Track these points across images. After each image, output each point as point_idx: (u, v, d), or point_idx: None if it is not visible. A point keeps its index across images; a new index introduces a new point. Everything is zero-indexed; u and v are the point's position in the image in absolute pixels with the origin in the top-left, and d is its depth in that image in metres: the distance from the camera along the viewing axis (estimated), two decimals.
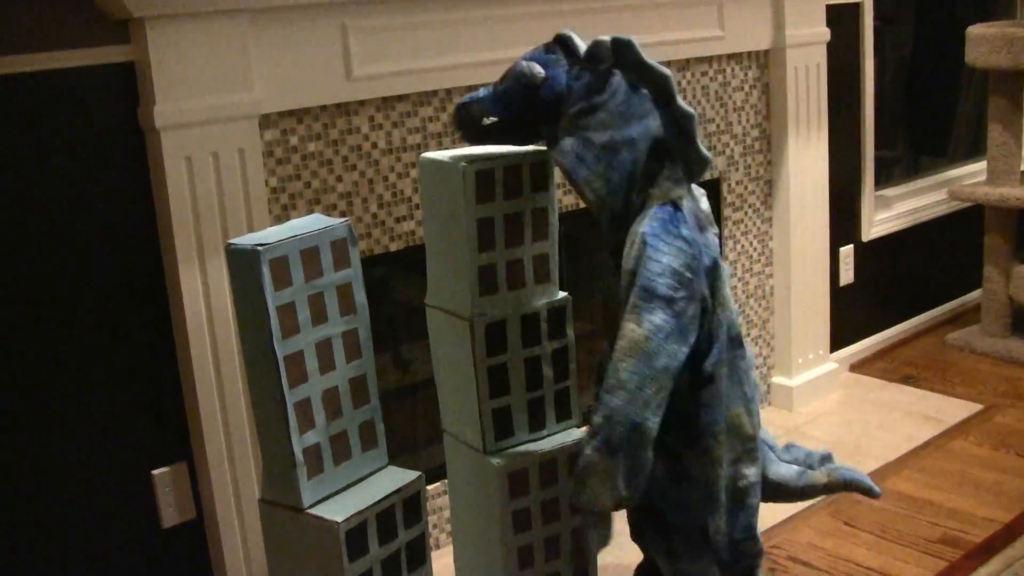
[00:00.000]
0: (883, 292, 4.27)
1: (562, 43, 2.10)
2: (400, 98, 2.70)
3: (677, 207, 2.04)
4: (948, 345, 4.30)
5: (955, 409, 3.71)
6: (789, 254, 3.67)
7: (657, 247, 1.98)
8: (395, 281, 2.90)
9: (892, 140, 4.48)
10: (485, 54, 2.79)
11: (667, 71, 2.00)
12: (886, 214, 4.20)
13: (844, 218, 3.98)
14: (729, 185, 3.53)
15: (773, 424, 3.67)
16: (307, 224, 2.06)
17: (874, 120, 4.02)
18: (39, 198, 2.24)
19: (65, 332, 2.31)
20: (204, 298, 2.38)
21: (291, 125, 2.53)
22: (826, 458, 2.36)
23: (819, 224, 3.75)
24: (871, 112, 4.00)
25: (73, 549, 2.39)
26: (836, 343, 4.00)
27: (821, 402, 3.83)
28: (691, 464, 2.11)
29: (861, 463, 3.33)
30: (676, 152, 2.06)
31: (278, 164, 2.53)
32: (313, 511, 2.01)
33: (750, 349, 2.23)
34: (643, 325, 1.95)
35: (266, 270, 1.91)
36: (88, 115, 2.28)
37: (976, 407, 3.71)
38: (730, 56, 3.44)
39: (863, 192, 4.05)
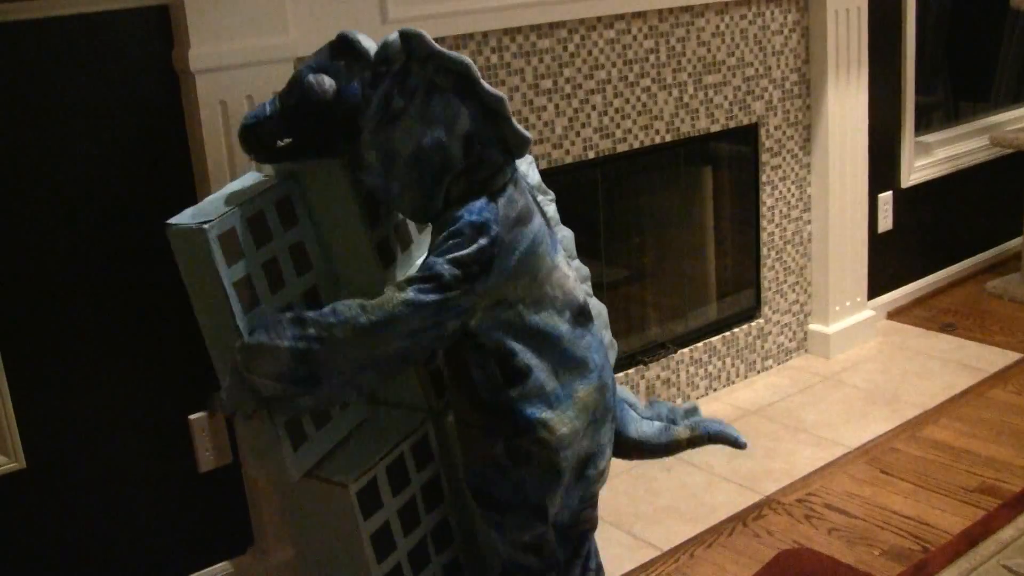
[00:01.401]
0: (922, 239, 4.22)
1: (346, 46, 1.94)
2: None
3: (493, 199, 1.90)
4: (987, 293, 4.25)
5: (994, 357, 3.67)
6: (827, 200, 3.63)
7: (459, 237, 1.86)
8: None
9: (933, 85, 4.41)
10: None
11: (465, 58, 1.88)
12: (926, 160, 4.14)
13: (883, 164, 3.93)
14: (767, 130, 3.48)
15: (809, 371, 3.66)
16: (246, 186, 1.97)
17: (915, 64, 3.96)
18: (74, 143, 2.24)
19: (101, 279, 2.32)
20: None
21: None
22: (691, 411, 2.30)
23: (858, 170, 3.70)
24: (912, 56, 3.93)
25: (112, 494, 2.41)
26: (874, 291, 3.96)
27: (858, 350, 3.81)
28: (530, 448, 1.99)
29: (899, 411, 3.31)
30: (491, 138, 1.89)
31: None
32: (321, 475, 1.98)
33: (603, 314, 2.19)
34: (407, 296, 1.82)
35: (216, 247, 1.82)
36: (123, 59, 2.27)
37: (1015, 355, 3.68)
38: None
39: (903, 138, 4.00)
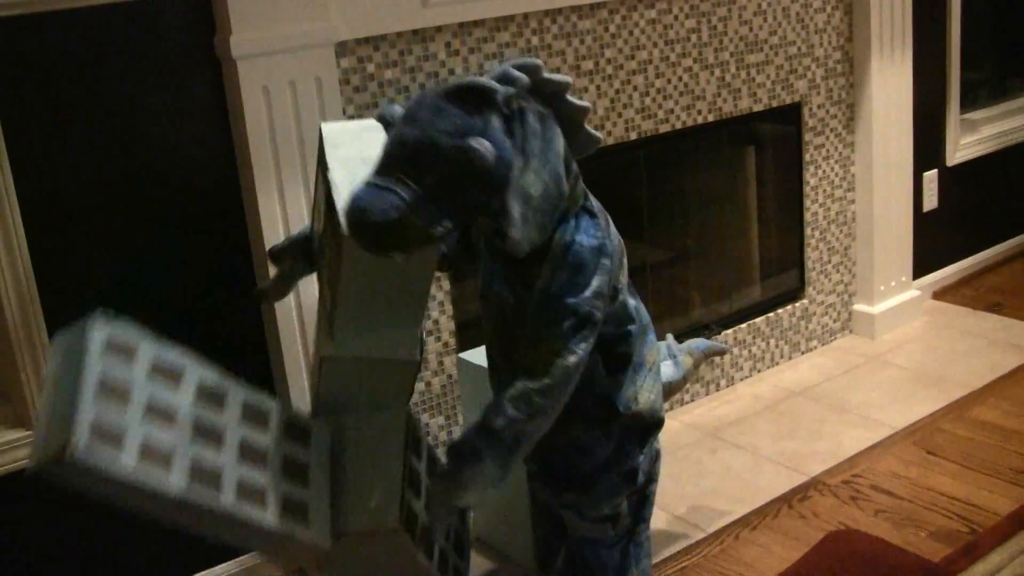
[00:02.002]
0: (968, 218, 4.17)
1: (476, 94, 1.68)
2: (476, 23, 2.67)
3: (592, 213, 1.85)
4: None
5: None
6: (871, 179, 3.59)
7: (590, 269, 1.79)
8: None
9: (979, 61, 4.35)
10: None
11: (567, 79, 1.80)
12: (972, 138, 4.09)
13: (928, 142, 3.89)
14: (811, 109, 3.45)
15: (854, 352, 3.63)
16: None
17: (960, 40, 3.91)
18: (118, 130, 2.25)
19: (144, 266, 2.33)
20: (283, 227, 2.39)
21: (367, 53, 2.51)
22: (676, 340, 2.46)
23: (902, 148, 3.67)
24: (957, 32, 3.88)
25: None
26: (919, 270, 3.93)
27: (904, 330, 3.77)
28: (627, 421, 2.00)
29: (945, 391, 3.28)
30: (573, 147, 1.84)
31: (355, 92, 2.51)
32: (360, 527, 1.84)
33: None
34: (575, 352, 1.78)
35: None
36: (166, 46, 2.28)
37: None
38: None
39: (948, 115, 3.95)
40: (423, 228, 1.66)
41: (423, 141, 1.64)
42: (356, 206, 1.63)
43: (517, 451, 1.82)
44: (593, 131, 1.88)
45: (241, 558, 2.60)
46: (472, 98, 1.67)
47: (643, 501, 2.15)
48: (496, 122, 1.68)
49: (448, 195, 1.66)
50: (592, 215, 1.85)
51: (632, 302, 1.99)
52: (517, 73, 1.73)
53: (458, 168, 1.64)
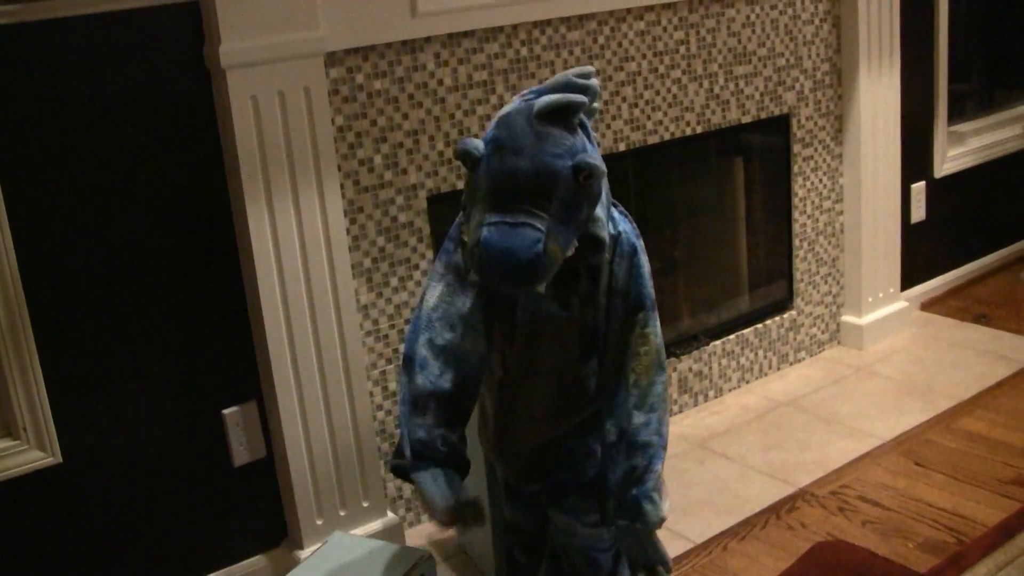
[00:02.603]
0: (956, 230, 4.19)
1: (574, 112, 1.70)
2: (466, 34, 2.67)
3: (616, 205, 1.90)
4: (1022, 283, 4.22)
5: None
6: (860, 191, 3.60)
7: (640, 252, 1.87)
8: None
9: (966, 73, 4.37)
10: None
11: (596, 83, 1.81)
12: (959, 150, 4.11)
13: (916, 154, 3.90)
14: (799, 121, 3.46)
15: (842, 363, 3.64)
16: None
17: (948, 52, 3.92)
18: (106, 139, 2.25)
19: (133, 274, 2.33)
20: (272, 237, 2.39)
21: (357, 63, 2.52)
22: None
23: (890, 160, 3.68)
24: (945, 44, 3.90)
25: (146, 488, 2.42)
26: (907, 281, 3.94)
27: (891, 341, 3.78)
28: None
29: (933, 402, 3.29)
30: None
31: (344, 102, 2.51)
32: None
33: None
34: (658, 335, 1.89)
35: None
36: (155, 55, 2.28)
37: None
38: None
39: (936, 127, 3.96)
40: (562, 254, 1.66)
41: (540, 169, 1.63)
42: (498, 248, 1.61)
43: (663, 451, 1.91)
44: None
45: (272, 551, 2.60)
46: (567, 115, 1.68)
47: None
48: (581, 134, 1.70)
49: (572, 216, 1.67)
50: (614, 204, 1.89)
51: None
52: (584, 82, 1.72)
53: (577, 188, 1.65)
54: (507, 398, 2.00)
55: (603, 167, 1.68)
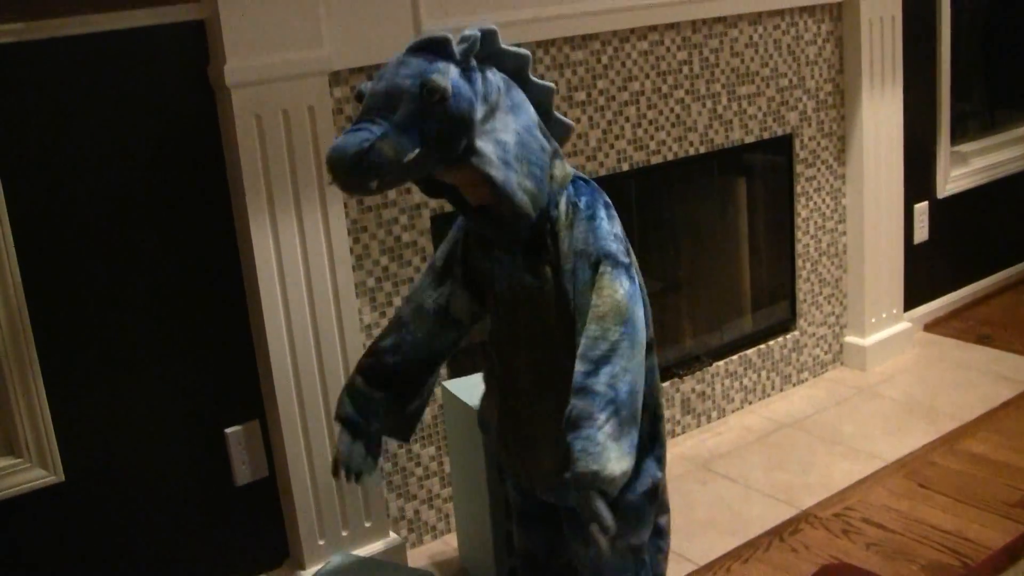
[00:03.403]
0: (959, 250, 4.19)
1: (434, 46, 1.85)
2: None
3: (585, 180, 2.01)
4: None
5: None
6: (862, 211, 3.60)
7: (601, 217, 1.94)
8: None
9: (969, 94, 4.37)
10: (553, 8, 2.75)
11: (526, 52, 1.96)
12: (962, 170, 4.11)
13: (919, 174, 3.90)
14: (802, 141, 3.47)
15: (845, 384, 3.63)
16: None
17: (950, 73, 3.93)
18: (111, 158, 2.25)
19: (137, 292, 2.33)
20: (275, 256, 2.38)
21: (361, 82, 2.51)
22: None
23: (893, 180, 3.68)
24: (947, 65, 3.91)
25: (149, 506, 2.42)
26: (910, 302, 3.93)
27: (895, 362, 3.78)
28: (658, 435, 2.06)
29: (936, 424, 3.28)
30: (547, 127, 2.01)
31: (348, 121, 2.51)
32: None
33: None
34: (624, 289, 1.90)
35: None
36: (159, 74, 2.28)
37: None
38: (802, 9, 3.37)
39: (939, 147, 3.97)
40: (395, 156, 1.79)
41: (389, 87, 1.81)
42: (334, 147, 1.79)
43: (620, 405, 1.84)
44: (565, 118, 2.04)
45: (274, 571, 2.60)
46: (430, 48, 1.84)
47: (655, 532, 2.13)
48: (453, 69, 1.83)
49: (414, 126, 1.80)
50: (586, 182, 2.00)
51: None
52: (469, 32, 1.86)
53: (419, 100, 1.79)
54: (503, 377, 2.09)
55: (463, 94, 1.82)
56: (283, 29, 2.32)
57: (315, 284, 2.46)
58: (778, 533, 2.77)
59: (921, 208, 3.96)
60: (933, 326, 4.08)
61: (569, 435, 1.83)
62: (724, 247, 3.57)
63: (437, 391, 2.77)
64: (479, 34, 1.86)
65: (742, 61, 3.25)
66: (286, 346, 2.44)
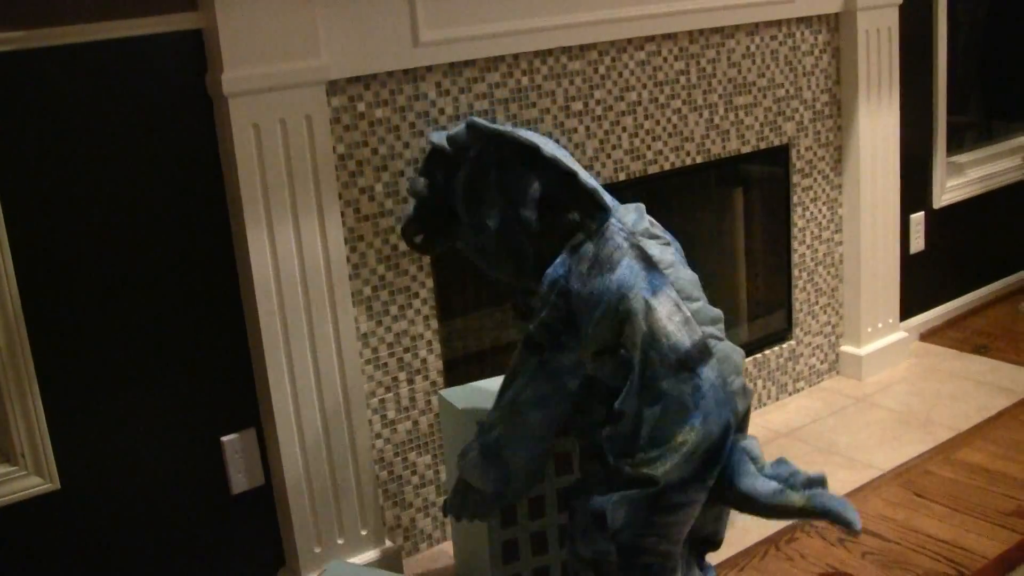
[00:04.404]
0: (955, 260, 4.20)
1: (437, 149, 2.23)
2: (467, 63, 2.68)
3: (574, 251, 2.09)
4: (1021, 314, 4.22)
5: None
6: (859, 221, 3.61)
7: (543, 295, 2.10)
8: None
9: (965, 105, 4.39)
10: (551, 19, 2.76)
11: (534, 139, 2.11)
12: (958, 180, 4.12)
13: (915, 185, 3.91)
14: (798, 151, 3.47)
15: (841, 393, 3.64)
16: None
17: (947, 84, 3.94)
18: (108, 166, 2.25)
19: (134, 300, 2.33)
20: (272, 265, 2.39)
21: (358, 91, 2.52)
22: (815, 481, 2.13)
23: (889, 191, 3.69)
24: (944, 76, 3.92)
25: (145, 514, 2.42)
26: (906, 312, 3.94)
27: (891, 371, 3.78)
28: (603, 463, 2.09)
29: (932, 433, 3.28)
30: (567, 200, 2.10)
31: (345, 131, 2.52)
32: None
33: (732, 358, 2.10)
34: (522, 364, 2.15)
35: None
36: (157, 82, 2.29)
37: None
38: (800, 20, 3.38)
39: (935, 158, 3.98)
40: (410, 235, 2.33)
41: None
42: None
43: (482, 441, 2.22)
44: (589, 181, 2.12)
45: None
46: (434, 151, 2.27)
47: (639, 568, 2.07)
48: (443, 168, 2.24)
49: (420, 215, 2.31)
50: (572, 253, 2.09)
51: (635, 376, 2.02)
52: (458, 129, 2.20)
53: (412, 195, 2.30)
54: None
55: (415, 191, 2.29)
56: (281, 38, 2.32)
57: (312, 292, 2.46)
58: (774, 542, 2.77)
59: (917, 218, 3.97)
60: (929, 336, 4.09)
61: None
62: (720, 257, 3.58)
63: (433, 400, 2.77)
64: (463, 131, 2.21)
65: (739, 72, 3.26)
66: (282, 354, 2.45)
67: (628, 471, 2.00)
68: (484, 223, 2.13)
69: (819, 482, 2.13)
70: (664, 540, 2.05)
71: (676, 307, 2.03)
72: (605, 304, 1.99)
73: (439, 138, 2.21)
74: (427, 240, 2.30)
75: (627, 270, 2.02)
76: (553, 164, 2.09)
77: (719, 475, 2.05)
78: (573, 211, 2.10)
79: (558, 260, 2.08)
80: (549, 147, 2.12)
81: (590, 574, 2.09)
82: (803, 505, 2.11)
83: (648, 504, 2.01)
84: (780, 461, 2.16)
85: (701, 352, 2.01)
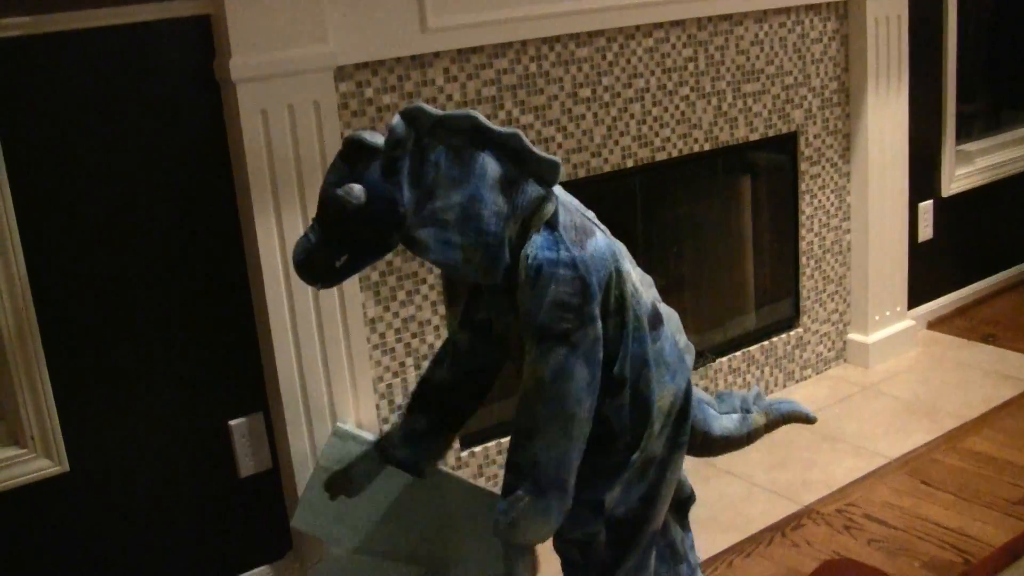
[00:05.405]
0: (963, 249, 4.19)
1: (355, 148, 1.89)
2: (475, 50, 2.68)
3: (553, 227, 1.93)
4: None
5: None
6: (867, 209, 3.61)
7: (544, 280, 1.89)
8: None
9: (974, 93, 4.37)
10: (559, 5, 2.76)
11: (468, 112, 1.90)
12: (967, 169, 4.11)
13: (923, 173, 3.90)
14: (807, 139, 3.47)
15: (848, 381, 3.64)
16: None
17: (956, 72, 3.93)
18: (116, 153, 2.26)
19: (142, 286, 2.34)
20: (280, 250, 2.39)
21: (366, 77, 2.53)
22: (758, 397, 2.35)
23: (898, 179, 3.68)
24: (953, 64, 3.91)
25: (153, 497, 2.43)
26: (914, 300, 3.93)
27: (898, 360, 3.78)
28: (608, 449, 2.05)
29: (939, 422, 3.28)
30: (524, 172, 1.94)
31: (353, 116, 2.52)
32: None
33: (674, 317, 2.13)
34: (547, 366, 1.90)
35: None
36: (165, 69, 2.29)
37: None
38: (808, 7, 3.37)
39: (943, 146, 3.97)
40: (327, 263, 1.91)
41: (322, 195, 1.90)
42: (293, 250, 1.93)
43: (536, 473, 1.92)
44: (546, 155, 1.93)
45: (277, 563, 2.61)
46: (350, 152, 1.88)
47: (627, 542, 2.10)
48: (376, 168, 1.86)
49: (339, 235, 1.89)
50: (553, 229, 1.92)
51: (629, 333, 2.00)
52: (396, 120, 1.86)
53: (336, 212, 1.87)
54: None
55: (382, 195, 1.86)
56: (288, 24, 2.33)
57: None
58: (780, 529, 2.78)
59: (925, 207, 3.96)
60: (937, 324, 4.08)
61: (500, 502, 1.97)
62: (728, 244, 3.58)
63: None
64: (400, 122, 1.86)
65: (747, 59, 3.26)
66: (290, 338, 2.45)
67: (635, 457, 2.01)
68: (440, 218, 1.91)
69: (760, 396, 2.36)
70: (655, 509, 2.10)
71: (633, 267, 2.07)
72: (605, 267, 1.95)
73: (373, 137, 1.90)
74: (352, 261, 1.95)
75: (600, 233, 2.00)
76: (498, 138, 1.92)
77: (691, 430, 2.13)
78: (532, 186, 1.95)
79: (538, 241, 1.92)
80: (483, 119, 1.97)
81: (575, 553, 2.09)
82: (766, 421, 2.33)
83: (637, 477, 2.05)
84: (720, 396, 2.31)
85: (658, 312, 2.06)
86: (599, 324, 1.93)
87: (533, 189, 1.93)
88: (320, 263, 1.91)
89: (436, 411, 2.18)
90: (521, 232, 1.93)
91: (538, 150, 1.92)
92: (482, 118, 1.90)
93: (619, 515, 2.06)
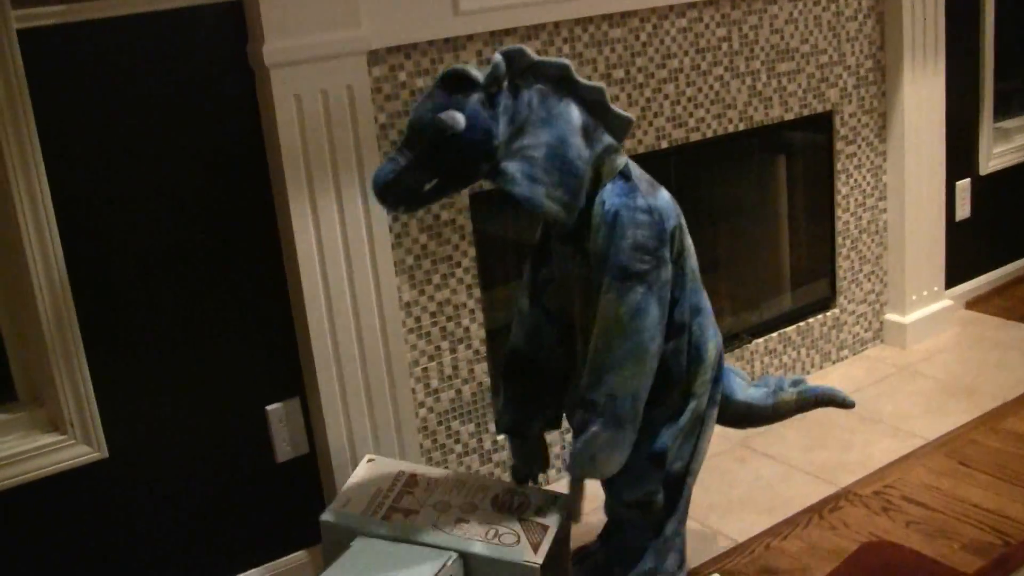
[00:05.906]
0: (1001, 227, 4.15)
1: (456, 78, 2.00)
2: (507, 32, 2.67)
3: (627, 177, 2.11)
4: None
5: None
6: (903, 188, 3.58)
7: (623, 224, 2.06)
8: (493, 221, 2.89)
9: (1012, 70, 4.32)
10: None
11: (563, 60, 2.05)
12: (1005, 147, 4.07)
13: (961, 151, 3.86)
14: (842, 118, 3.44)
15: (885, 362, 3.61)
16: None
17: (994, 49, 3.88)
18: (152, 139, 2.27)
19: (179, 270, 2.35)
20: (315, 234, 2.40)
21: (399, 61, 2.52)
22: (798, 381, 2.48)
23: (935, 157, 3.65)
24: (991, 40, 3.86)
25: (191, 483, 2.44)
26: (951, 280, 3.90)
27: (935, 340, 3.75)
28: (666, 397, 2.21)
29: (977, 402, 3.26)
30: (601, 126, 2.11)
31: (387, 100, 2.52)
32: None
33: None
34: (624, 303, 2.05)
35: None
36: (199, 54, 2.30)
37: None
38: None
39: (981, 124, 3.93)
40: (416, 186, 2.01)
41: (414, 119, 2.01)
42: (373, 175, 2.03)
43: (614, 406, 2.09)
44: (622, 112, 2.13)
45: (314, 548, 2.62)
46: (451, 82, 1.99)
47: (675, 497, 2.27)
48: (475, 99, 1.98)
49: (432, 159, 2.00)
50: (627, 179, 2.11)
51: (688, 281, 2.20)
52: (497, 58, 1.99)
53: (435, 136, 1.97)
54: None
55: (480, 126, 1.98)
56: (321, 9, 2.32)
57: (355, 262, 2.47)
58: (817, 511, 2.77)
59: (963, 185, 3.92)
60: (975, 304, 4.05)
61: (575, 440, 2.13)
62: (763, 225, 3.56)
63: (479, 370, 2.78)
64: (501, 60, 1.99)
65: (782, 38, 3.23)
66: (326, 324, 2.46)
67: (692, 405, 2.21)
68: (529, 154, 2.04)
69: (802, 381, 2.48)
70: (698, 463, 2.30)
71: None
72: (674, 217, 2.14)
73: (473, 70, 2.01)
74: (440, 186, 2.05)
75: (664, 190, 2.17)
76: (583, 91, 2.09)
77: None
78: (604, 135, 2.12)
79: (615, 188, 2.09)
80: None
81: (634, 515, 2.26)
82: (796, 399, 2.46)
83: (690, 430, 2.23)
84: (762, 378, 2.50)
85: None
86: (670, 267, 2.11)
87: (608, 140, 2.11)
88: (408, 185, 2.01)
89: (523, 374, 2.33)
90: (594, 179, 2.10)
91: (615, 107, 2.11)
92: (572, 69, 2.06)
93: (673, 471, 2.23)
